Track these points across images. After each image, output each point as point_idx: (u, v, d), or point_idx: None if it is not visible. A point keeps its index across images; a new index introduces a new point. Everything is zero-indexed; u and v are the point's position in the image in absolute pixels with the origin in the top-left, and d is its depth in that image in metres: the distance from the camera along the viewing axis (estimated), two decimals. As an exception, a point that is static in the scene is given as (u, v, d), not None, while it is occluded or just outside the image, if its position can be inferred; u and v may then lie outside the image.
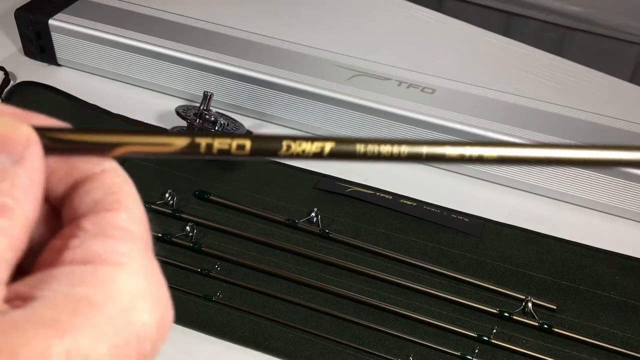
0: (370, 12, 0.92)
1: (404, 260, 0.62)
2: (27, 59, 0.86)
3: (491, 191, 0.72)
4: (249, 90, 0.77)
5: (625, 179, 0.67)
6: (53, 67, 0.85)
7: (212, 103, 0.72)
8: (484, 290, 0.60)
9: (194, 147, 0.21)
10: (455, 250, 0.64)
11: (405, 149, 0.22)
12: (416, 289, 0.60)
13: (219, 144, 0.21)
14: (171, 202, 0.65)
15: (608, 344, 0.56)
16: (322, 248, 0.63)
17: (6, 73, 0.82)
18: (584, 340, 0.56)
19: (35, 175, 0.19)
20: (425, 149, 0.22)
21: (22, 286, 0.18)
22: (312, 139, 0.22)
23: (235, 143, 0.21)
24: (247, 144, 0.21)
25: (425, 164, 0.72)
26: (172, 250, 0.62)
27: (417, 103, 0.72)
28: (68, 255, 0.18)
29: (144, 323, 0.18)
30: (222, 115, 0.73)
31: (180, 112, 0.72)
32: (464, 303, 0.59)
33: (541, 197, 0.71)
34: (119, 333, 0.18)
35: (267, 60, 0.77)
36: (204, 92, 0.71)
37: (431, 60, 0.81)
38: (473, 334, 0.56)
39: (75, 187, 0.20)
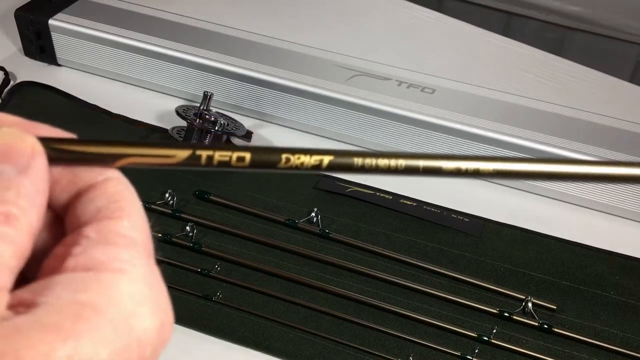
0: (370, 12, 0.92)
1: (404, 260, 0.62)
2: (27, 59, 0.86)
3: (491, 191, 0.72)
4: (249, 90, 0.77)
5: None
6: (53, 67, 0.85)
7: (212, 103, 0.72)
8: (484, 290, 0.60)
9: (195, 158, 0.22)
10: (455, 250, 0.64)
11: (402, 163, 0.22)
12: (416, 289, 0.60)
13: (219, 156, 0.22)
14: (171, 202, 0.65)
15: (608, 344, 0.56)
16: (322, 248, 0.63)
17: (6, 73, 0.82)
18: (584, 340, 0.56)
19: (40, 185, 0.20)
20: (422, 163, 0.22)
21: (25, 293, 0.18)
22: (311, 151, 0.22)
23: (235, 155, 0.22)
24: (247, 156, 0.22)
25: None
26: (172, 250, 0.62)
27: (417, 103, 0.72)
28: (71, 262, 0.19)
29: (145, 328, 0.19)
30: (222, 115, 0.73)
31: (180, 112, 0.72)
32: (464, 303, 0.59)
33: (541, 197, 0.71)
34: (121, 338, 0.18)
35: (267, 60, 0.77)
36: (204, 92, 0.71)
37: (431, 60, 0.81)
38: (473, 334, 0.56)
39: (78, 195, 0.21)
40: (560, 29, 1.43)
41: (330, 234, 0.64)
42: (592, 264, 0.63)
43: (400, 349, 0.56)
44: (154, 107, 0.80)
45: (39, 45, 0.83)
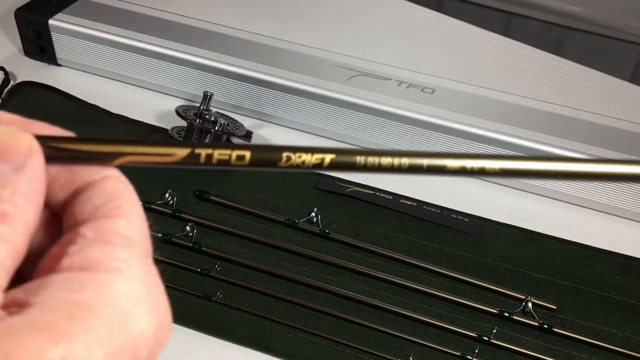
0: (370, 12, 0.92)
1: (404, 260, 0.62)
2: (27, 59, 0.86)
3: (491, 191, 0.72)
4: (249, 90, 0.77)
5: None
6: (53, 67, 0.85)
7: (212, 103, 0.72)
8: (484, 290, 0.60)
9: (194, 157, 0.21)
10: (455, 250, 0.64)
11: (405, 161, 0.22)
12: (416, 289, 0.60)
13: (219, 154, 0.21)
14: (171, 202, 0.65)
15: (608, 344, 0.56)
16: (322, 248, 0.63)
17: (6, 73, 0.82)
18: (584, 340, 0.56)
19: (36, 183, 0.19)
20: (425, 161, 0.22)
21: (19, 292, 0.18)
22: (312, 150, 0.22)
23: (235, 154, 0.21)
24: (247, 154, 0.21)
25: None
26: (172, 250, 0.62)
27: (417, 103, 0.72)
28: (66, 261, 0.19)
29: (142, 329, 0.18)
30: (222, 115, 0.73)
31: (180, 112, 0.72)
32: (464, 303, 0.59)
33: (541, 197, 0.71)
34: (116, 339, 0.18)
35: (267, 60, 0.77)
36: (204, 92, 0.71)
37: (431, 60, 0.81)
38: (473, 334, 0.56)
39: (76, 194, 0.21)
40: (560, 29, 1.43)
41: (330, 234, 0.64)
42: (592, 264, 0.63)
43: (400, 349, 0.56)
44: (154, 107, 0.80)
45: (39, 45, 0.83)
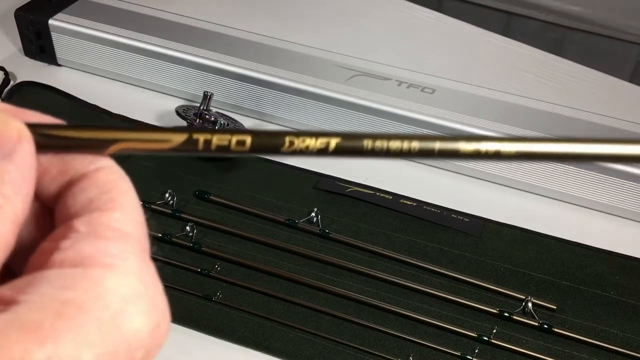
0: (370, 12, 0.92)
1: (404, 260, 0.62)
2: (27, 59, 0.86)
3: (491, 191, 0.72)
4: (249, 90, 0.77)
5: (626, 179, 0.67)
6: (53, 67, 0.85)
7: (212, 103, 0.72)
8: (483, 290, 0.60)
9: (191, 143, 0.20)
10: (455, 250, 0.64)
11: (416, 145, 0.20)
12: (416, 289, 0.60)
13: (217, 139, 0.20)
14: (171, 202, 0.65)
15: (608, 344, 0.56)
16: (322, 248, 0.63)
17: (6, 73, 0.82)
18: (584, 340, 0.56)
19: (26, 172, 0.18)
20: (437, 145, 0.20)
21: (6, 290, 0.17)
22: (317, 134, 0.20)
23: (235, 139, 0.20)
24: (248, 139, 0.20)
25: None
26: (172, 250, 0.62)
27: (417, 103, 0.72)
28: (58, 257, 0.18)
29: (136, 329, 0.17)
30: (222, 115, 0.73)
31: (180, 112, 0.72)
32: (464, 303, 0.59)
33: (541, 197, 0.71)
34: (107, 339, 0.17)
35: (267, 60, 0.77)
36: (204, 92, 0.71)
37: (431, 60, 0.81)
38: (473, 334, 0.56)
39: (69, 185, 0.20)
40: (560, 29, 1.43)
41: (330, 234, 0.64)
42: (592, 264, 0.63)
43: (400, 349, 0.56)
44: (154, 107, 0.80)
45: (39, 45, 0.83)
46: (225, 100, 0.78)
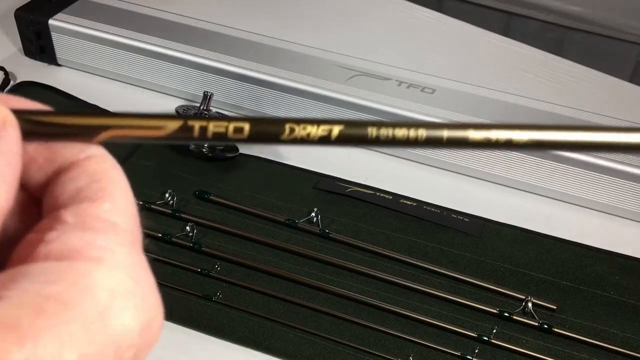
0: (370, 12, 0.92)
1: (404, 260, 0.62)
2: (27, 59, 0.86)
3: (491, 191, 0.72)
4: (249, 90, 0.77)
5: (626, 179, 0.67)
6: (53, 67, 0.85)
7: (212, 103, 0.72)
8: (483, 290, 0.60)
9: (187, 130, 0.19)
10: (455, 250, 0.64)
11: (423, 133, 0.19)
12: (416, 289, 0.60)
13: (214, 127, 0.19)
14: (171, 202, 0.65)
15: (608, 344, 0.56)
16: (322, 248, 0.63)
17: (6, 73, 0.82)
18: (584, 340, 0.56)
19: (10, 158, 0.17)
20: (446, 132, 0.19)
21: None
22: (319, 121, 0.19)
23: (232, 126, 0.19)
24: (246, 126, 0.19)
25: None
26: (172, 250, 0.62)
27: (417, 103, 0.72)
28: (43, 249, 0.16)
29: (125, 326, 0.16)
30: (222, 115, 0.73)
31: (180, 112, 0.73)
32: (464, 303, 0.59)
33: (541, 197, 0.71)
34: (94, 337, 0.15)
35: (267, 60, 0.77)
36: (204, 92, 0.71)
37: (431, 60, 0.81)
38: (473, 334, 0.56)
39: (57, 174, 0.19)
40: (560, 29, 1.43)
41: (330, 234, 0.64)
42: (592, 264, 0.63)
43: (400, 349, 0.56)
44: (154, 107, 0.80)
45: (39, 45, 0.83)
46: (225, 100, 0.78)
